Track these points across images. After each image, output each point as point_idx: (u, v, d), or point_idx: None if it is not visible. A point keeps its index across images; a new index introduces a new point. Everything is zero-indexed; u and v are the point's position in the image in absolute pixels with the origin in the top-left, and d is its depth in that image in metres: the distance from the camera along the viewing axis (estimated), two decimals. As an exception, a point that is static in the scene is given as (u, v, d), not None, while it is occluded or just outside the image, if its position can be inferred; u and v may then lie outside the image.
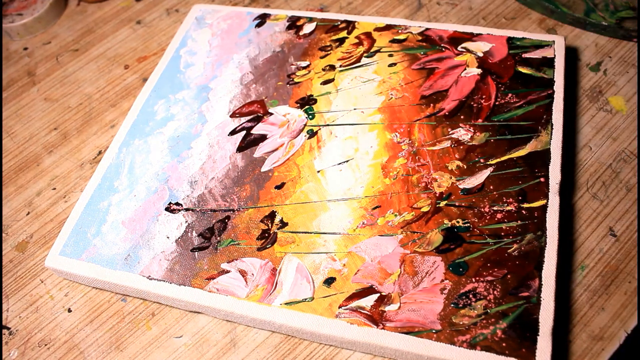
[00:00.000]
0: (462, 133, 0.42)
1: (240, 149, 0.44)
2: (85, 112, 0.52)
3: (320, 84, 0.46)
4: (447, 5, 0.54)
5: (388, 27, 0.49)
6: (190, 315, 0.39)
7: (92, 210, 0.42)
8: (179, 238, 0.40)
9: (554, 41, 0.45)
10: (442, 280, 0.35)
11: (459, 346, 0.33)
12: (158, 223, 0.41)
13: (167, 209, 0.41)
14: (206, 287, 0.37)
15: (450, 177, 0.40)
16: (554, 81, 0.43)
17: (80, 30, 0.59)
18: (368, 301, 0.35)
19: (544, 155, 0.39)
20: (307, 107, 0.45)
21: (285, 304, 0.36)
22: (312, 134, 0.44)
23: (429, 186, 0.39)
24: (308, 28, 0.51)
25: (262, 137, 0.44)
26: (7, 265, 0.43)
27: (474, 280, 0.35)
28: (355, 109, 0.44)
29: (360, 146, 0.42)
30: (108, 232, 0.41)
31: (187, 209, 0.41)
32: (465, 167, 0.40)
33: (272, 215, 0.40)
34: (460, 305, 0.34)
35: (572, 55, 0.48)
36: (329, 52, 0.48)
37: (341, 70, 0.47)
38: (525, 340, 0.33)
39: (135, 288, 0.38)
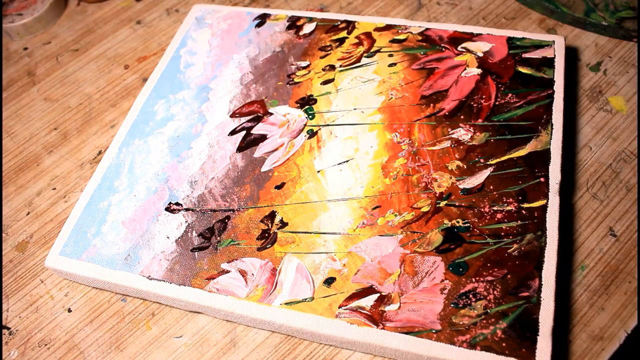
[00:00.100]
0: (462, 133, 0.42)
1: (240, 149, 0.44)
2: (85, 112, 0.52)
3: (320, 84, 0.46)
4: (447, 5, 0.54)
5: (388, 27, 0.49)
6: (190, 315, 0.39)
7: (92, 210, 0.42)
8: (179, 238, 0.40)
9: (554, 41, 0.45)
10: (442, 280, 0.35)
11: (459, 346, 0.33)
12: (158, 223, 0.41)
13: (167, 209, 0.41)
14: (206, 287, 0.37)
15: (450, 177, 0.40)
16: (554, 81, 0.43)
17: (80, 30, 0.59)
18: (368, 301, 0.35)
19: (544, 155, 0.39)
20: (307, 107, 0.45)
21: (285, 304, 0.36)
22: (312, 134, 0.44)
23: (429, 186, 0.39)
24: (308, 28, 0.51)
25: (262, 137, 0.44)
26: (7, 265, 0.43)
27: (474, 280, 0.35)
28: (355, 109, 0.44)
29: (360, 146, 0.42)
30: (108, 232, 0.41)
31: (187, 209, 0.41)
32: (465, 167, 0.40)
33: (272, 215, 0.40)
34: (460, 305, 0.34)
35: (572, 55, 0.48)
36: (329, 52, 0.48)
37: (341, 70, 0.47)
38: (525, 340, 0.33)
39: (135, 288, 0.38)
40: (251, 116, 0.46)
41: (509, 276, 0.35)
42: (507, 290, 0.35)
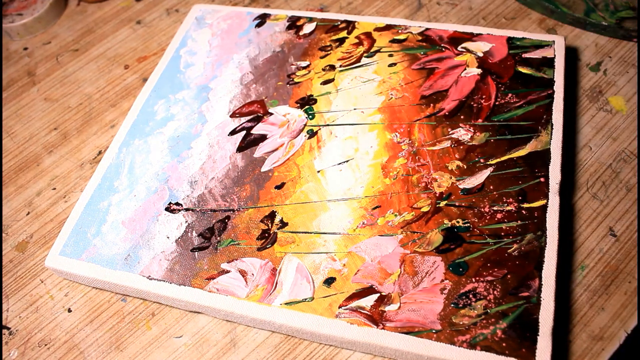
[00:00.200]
0: (462, 133, 0.42)
1: (240, 149, 0.44)
2: (85, 112, 0.52)
3: (320, 84, 0.46)
4: (447, 5, 0.54)
5: (388, 27, 0.49)
6: (190, 315, 0.39)
7: (92, 210, 0.42)
8: (179, 238, 0.40)
9: (554, 41, 0.45)
10: (442, 280, 0.35)
11: (459, 346, 0.33)
12: (158, 223, 0.41)
13: (167, 209, 0.41)
14: (206, 287, 0.37)
15: (450, 177, 0.40)
16: (554, 81, 0.43)
17: (80, 30, 0.59)
18: (368, 301, 0.35)
19: (544, 155, 0.39)
20: (307, 107, 0.45)
21: (285, 304, 0.36)
22: (312, 134, 0.44)
23: (429, 186, 0.39)
24: (308, 28, 0.51)
25: (262, 137, 0.44)
26: (7, 265, 0.43)
27: (474, 280, 0.35)
28: (355, 109, 0.44)
29: (360, 146, 0.42)
30: (108, 232, 0.41)
31: (187, 209, 0.41)
32: (465, 167, 0.40)
33: (272, 215, 0.40)
34: (460, 305, 0.34)
35: (572, 55, 0.48)
36: (329, 52, 0.48)
37: (341, 70, 0.47)
38: (525, 340, 0.33)
39: (135, 288, 0.38)
40: (251, 116, 0.46)
41: (509, 276, 0.35)
42: (507, 290, 0.35)
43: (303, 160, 0.42)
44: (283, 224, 0.39)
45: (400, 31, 0.48)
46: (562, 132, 0.41)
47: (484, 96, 0.43)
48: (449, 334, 0.34)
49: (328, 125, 0.44)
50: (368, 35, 0.49)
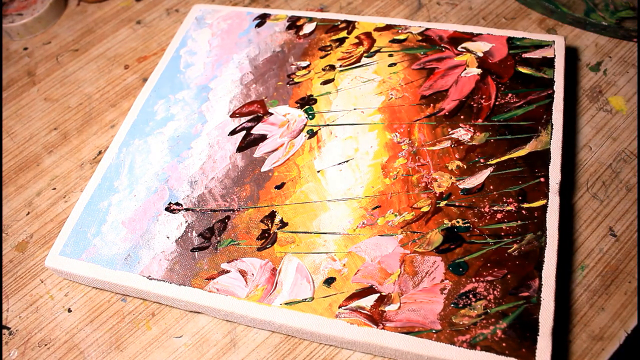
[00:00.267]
0: (462, 133, 0.42)
1: (240, 149, 0.44)
2: (85, 112, 0.52)
3: (320, 84, 0.46)
4: (447, 5, 0.54)
5: (388, 27, 0.49)
6: (190, 315, 0.39)
7: (92, 210, 0.42)
8: (179, 238, 0.40)
9: (554, 41, 0.45)
10: (442, 280, 0.35)
11: (459, 346, 0.33)
12: (158, 223, 0.41)
13: (167, 209, 0.41)
14: (206, 287, 0.37)
15: (450, 177, 0.40)
16: (554, 81, 0.43)
17: (80, 30, 0.59)
18: (368, 301, 0.35)
19: (544, 155, 0.39)
20: (307, 107, 0.45)
21: (285, 304, 0.36)
22: (312, 134, 0.44)
23: (429, 186, 0.39)
24: (308, 28, 0.51)
25: (262, 137, 0.44)
26: (7, 265, 0.43)
27: (474, 280, 0.35)
28: (355, 109, 0.44)
29: (360, 146, 0.42)
30: (108, 232, 0.41)
31: (187, 209, 0.41)
32: (465, 167, 0.40)
33: (272, 215, 0.40)
34: (460, 305, 0.34)
35: (572, 55, 0.48)
36: (329, 52, 0.48)
37: (341, 70, 0.47)
38: (525, 340, 0.33)
39: (135, 288, 0.38)
40: (251, 116, 0.46)
41: (509, 276, 0.35)
42: (507, 290, 0.35)
43: (303, 160, 0.42)
44: (283, 224, 0.39)
45: (400, 31, 0.48)
46: (562, 132, 0.41)
47: (484, 96, 0.43)
48: (449, 334, 0.34)
49: (328, 125, 0.44)
50: (368, 35, 0.49)
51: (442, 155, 0.41)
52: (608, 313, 0.36)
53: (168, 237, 0.40)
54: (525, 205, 0.38)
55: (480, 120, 0.42)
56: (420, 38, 0.48)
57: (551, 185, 0.38)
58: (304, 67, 0.48)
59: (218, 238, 0.39)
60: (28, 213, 0.46)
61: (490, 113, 0.42)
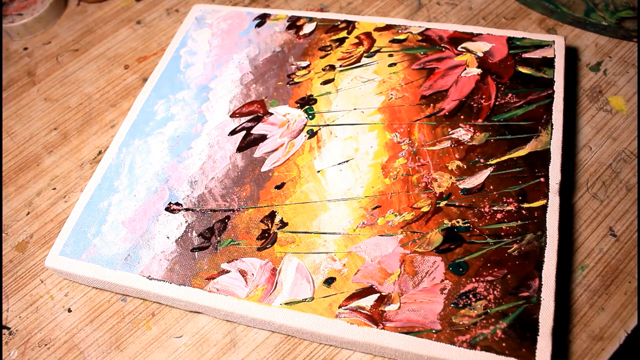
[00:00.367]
0: (462, 133, 0.42)
1: (240, 149, 0.44)
2: (85, 112, 0.52)
3: (320, 84, 0.46)
4: (447, 5, 0.54)
5: (388, 27, 0.49)
6: (190, 315, 0.39)
7: (92, 210, 0.42)
8: (179, 238, 0.40)
9: (554, 41, 0.45)
10: (442, 280, 0.35)
11: (459, 346, 0.33)
12: (158, 223, 0.41)
13: (167, 209, 0.41)
14: (206, 287, 0.37)
15: (450, 177, 0.40)
16: (554, 81, 0.43)
17: (80, 30, 0.59)
18: (368, 301, 0.35)
19: (544, 155, 0.39)
20: (307, 107, 0.45)
21: (285, 304, 0.36)
22: (312, 134, 0.44)
23: (429, 186, 0.39)
24: (308, 28, 0.51)
25: (262, 137, 0.44)
26: (7, 265, 0.43)
27: (474, 280, 0.35)
28: (355, 109, 0.44)
29: (360, 146, 0.42)
30: (108, 232, 0.41)
31: (187, 209, 0.41)
32: (465, 167, 0.40)
33: (272, 215, 0.40)
34: (460, 305, 0.34)
35: (572, 55, 0.48)
36: (329, 52, 0.48)
37: (341, 70, 0.47)
38: (525, 340, 0.33)
39: (135, 288, 0.38)
40: (251, 116, 0.46)
41: (509, 276, 0.35)
42: (507, 290, 0.35)
43: (303, 160, 0.42)
44: (283, 224, 0.39)
45: (400, 31, 0.48)
46: (562, 132, 0.41)
47: (484, 96, 0.43)
48: (449, 334, 0.34)
49: (328, 125, 0.44)
50: (368, 35, 0.49)
51: (442, 155, 0.41)
52: (608, 313, 0.36)
53: (168, 237, 0.40)
54: (525, 205, 0.38)
55: (480, 120, 0.42)
56: (420, 38, 0.48)
57: (551, 185, 0.38)
58: (304, 67, 0.48)
59: (218, 238, 0.39)
60: (28, 213, 0.46)
61: (490, 113, 0.42)
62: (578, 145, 0.43)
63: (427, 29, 0.48)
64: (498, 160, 0.40)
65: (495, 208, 0.38)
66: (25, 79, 0.56)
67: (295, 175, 0.42)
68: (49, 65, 0.56)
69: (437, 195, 0.39)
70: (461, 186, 0.39)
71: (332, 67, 0.47)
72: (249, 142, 0.44)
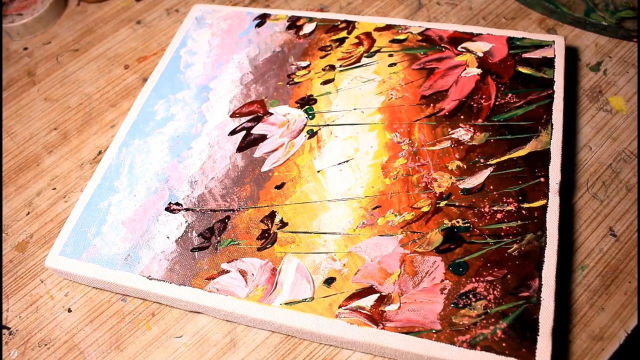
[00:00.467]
0: (462, 133, 0.42)
1: (240, 149, 0.44)
2: (85, 112, 0.52)
3: (320, 84, 0.46)
4: (447, 5, 0.54)
5: (388, 27, 0.49)
6: (190, 315, 0.39)
7: (92, 210, 0.42)
8: (179, 238, 0.40)
9: (554, 41, 0.45)
10: (442, 280, 0.35)
11: (459, 346, 0.33)
12: (158, 223, 0.41)
13: (167, 209, 0.41)
14: (206, 287, 0.37)
15: (450, 177, 0.40)
16: (554, 81, 0.43)
17: (80, 30, 0.59)
18: (368, 301, 0.35)
19: (544, 155, 0.39)
20: (307, 107, 0.45)
21: (285, 304, 0.36)
22: (312, 134, 0.44)
23: (429, 186, 0.39)
24: (308, 28, 0.51)
25: (262, 137, 0.44)
26: (7, 265, 0.43)
27: (474, 280, 0.35)
28: (355, 109, 0.44)
29: (360, 146, 0.42)
30: (108, 232, 0.41)
31: (187, 209, 0.41)
32: (465, 167, 0.40)
33: (272, 215, 0.40)
34: (460, 305, 0.34)
35: (572, 55, 0.48)
36: (329, 52, 0.48)
37: (341, 70, 0.47)
38: (525, 340, 0.33)
39: (135, 288, 0.38)
40: (251, 116, 0.46)
41: (509, 276, 0.35)
42: (507, 290, 0.35)
43: (303, 160, 0.42)
44: (283, 224, 0.39)
45: (400, 31, 0.48)
46: (562, 132, 0.41)
47: (484, 96, 0.43)
48: (449, 334, 0.34)
49: (328, 125, 0.44)
50: (368, 35, 0.49)
51: (442, 155, 0.41)
52: (608, 313, 0.36)
53: (168, 237, 0.40)
54: (525, 205, 0.38)
55: (480, 120, 0.42)
56: (420, 38, 0.48)
57: (551, 185, 0.38)
58: (304, 67, 0.48)
59: (218, 238, 0.39)
60: (28, 213, 0.46)
61: (490, 113, 0.42)
62: (578, 145, 0.43)
63: (427, 29, 0.48)
64: (498, 160, 0.40)
65: (495, 208, 0.38)
66: (25, 79, 0.56)
67: (295, 175, 0.42)
68: (49, 65, 0.56)
69: (437, 195, 0.39)
70: (461, 186, 0.39)
71: (332, 67, 0.47)
72: (249, 142, 0.44)
